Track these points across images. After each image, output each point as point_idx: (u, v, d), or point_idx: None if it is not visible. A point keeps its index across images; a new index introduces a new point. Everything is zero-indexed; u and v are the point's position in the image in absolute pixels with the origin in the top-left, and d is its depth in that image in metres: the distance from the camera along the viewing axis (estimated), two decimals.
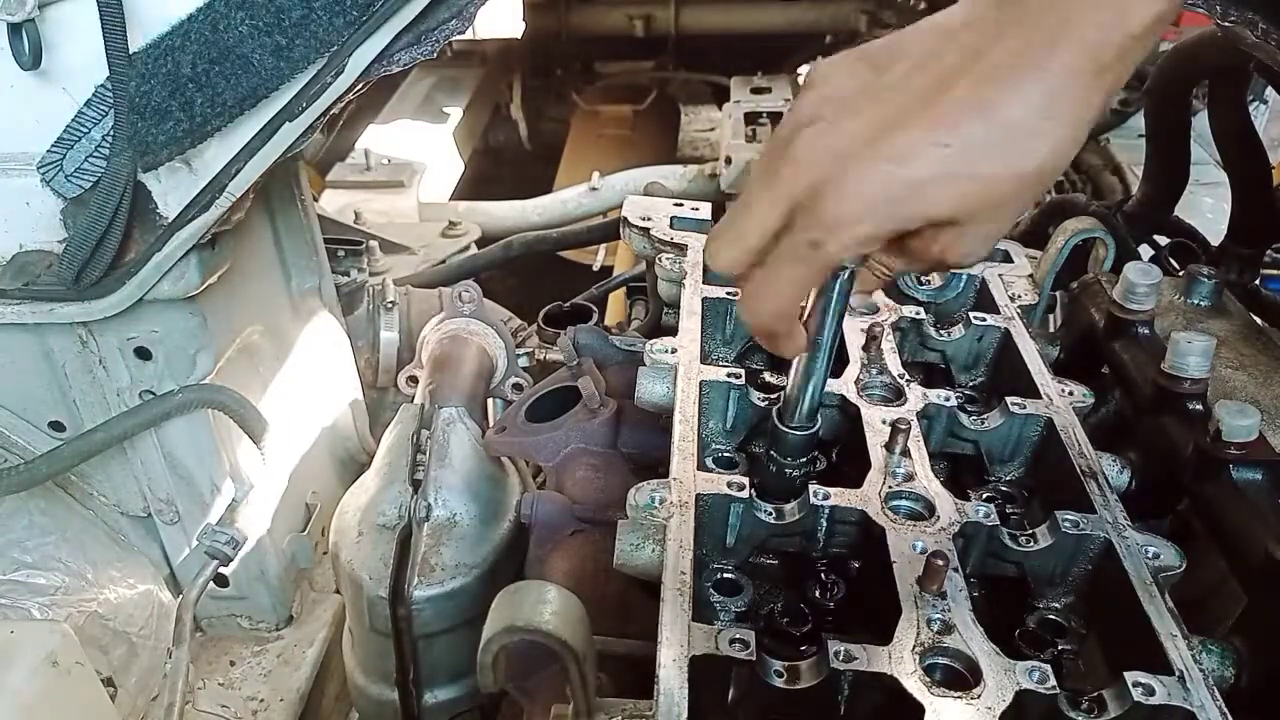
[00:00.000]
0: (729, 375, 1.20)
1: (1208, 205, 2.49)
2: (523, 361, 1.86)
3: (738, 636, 0.85)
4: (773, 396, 1.21)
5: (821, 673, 0.84)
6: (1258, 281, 1.67)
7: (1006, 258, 1.52)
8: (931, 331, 1.35)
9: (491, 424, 1.51)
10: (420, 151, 3.70)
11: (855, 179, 0.73)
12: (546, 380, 1.51)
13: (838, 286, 0.88)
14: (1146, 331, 1.34)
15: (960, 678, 0.85)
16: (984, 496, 1.17)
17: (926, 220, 0.74)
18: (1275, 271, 1.68)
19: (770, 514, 1.03)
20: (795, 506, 1.03)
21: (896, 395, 1.20)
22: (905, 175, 0.72)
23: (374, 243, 2.59)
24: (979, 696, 0.81)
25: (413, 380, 1.79)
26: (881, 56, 0.76)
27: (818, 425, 1.06)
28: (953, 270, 0.83)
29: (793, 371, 1.01)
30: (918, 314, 1.35)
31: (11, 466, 1.43)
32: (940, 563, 0.90)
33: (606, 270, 3.16)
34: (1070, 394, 1.22)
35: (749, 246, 0.80)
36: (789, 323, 0.87)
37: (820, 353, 0.95)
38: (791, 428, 1.04)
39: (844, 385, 1.20)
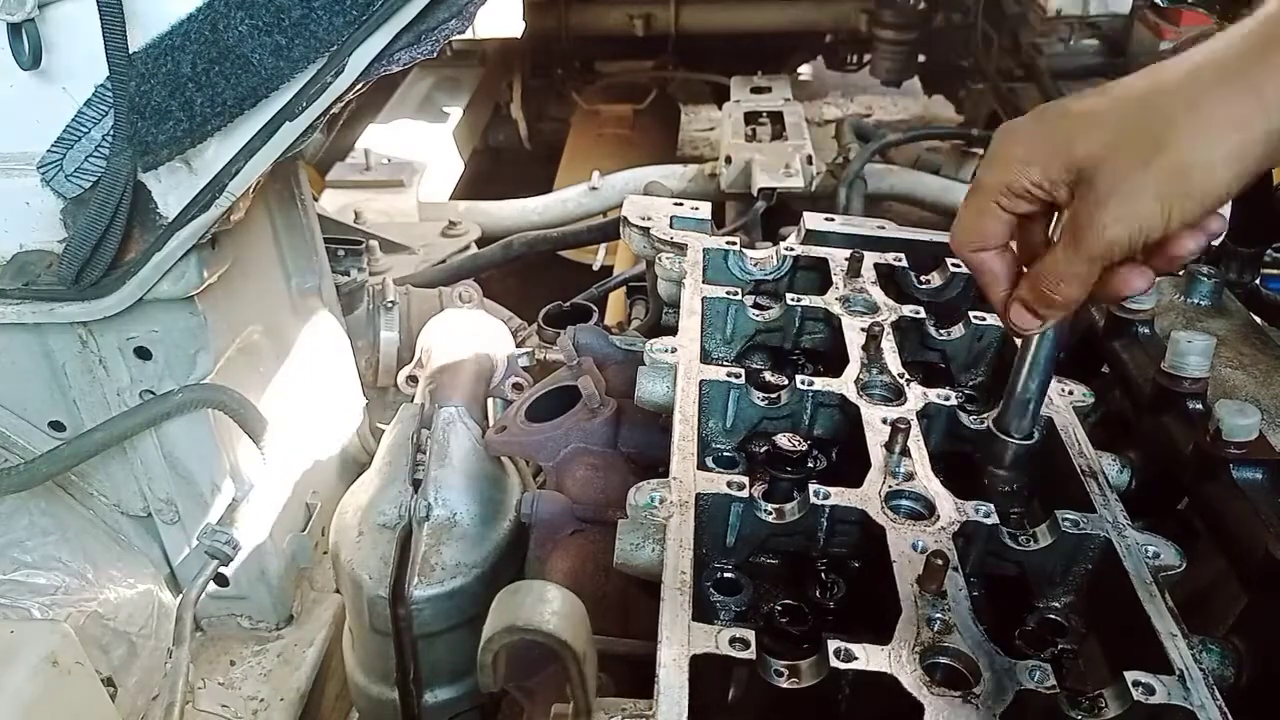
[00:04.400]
0: (729, 375, 1.20)
1: None
2: (523, 361, 1.86)
3: (738, 636, 0.85)
4: (773, 396, 1.21)
5: (821, 672, 0.84)
6: (1258, 281, 1.66)
7: None
8: (931, 331, 1.35)
9: (491, 424, 1.51)
10: (420, 151, 3.69)
11: None
12: (546, 380, 1.51)
13: None
14: (1146, 331, 1.34)
15: (960, 677, 0.85)
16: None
17: None
18: (1275, 271, 1.68)
19: (770, 513, 1.03)
20: (795, 506, 1.03)
21: (896, 395, 1.20)
22: None
23: (374, 242, 2.59)
24: (979, 696, 0.81)
25: (413, 380, 1.79)
26: None
27: (1037, 439, 1.06)
28: None
29: (1017, 376, 1.02)
30: (918, 313, 1.35)
31: (11, 466, 1.42)
32: (940, 562, 0.90)
33: (606, 270, 3.15)
34: (1070, 393, 1.22)
35: None
36: None
37: (1049, 354, 0.98)
38: (1015, 438, 1.05)
39: (844, 385, 1.20)
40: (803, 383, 1.20)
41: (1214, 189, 0.78)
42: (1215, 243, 1.71)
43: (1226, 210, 0.87)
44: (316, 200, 2.95)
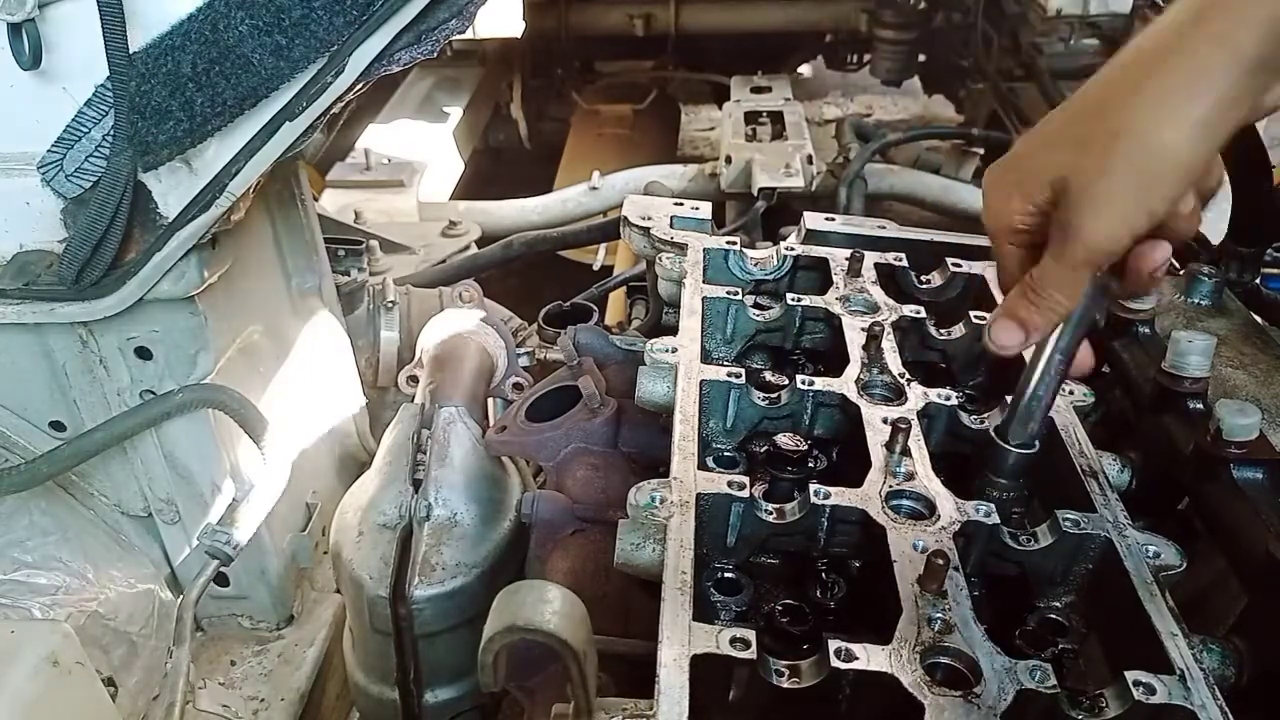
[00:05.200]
0: (729, 375, 1.20)
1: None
2: (523, 361, 1.86)
3: (738, 636, 0.85)
4: (773, 396, 1.21)
5: (822, 672, 0.84)
6: (1258, 280, 1.66)
7: None
8: (932, 331, 1.35)
9: (492, 424, 1.51)
10: (420, 151, 3.69)
11: None
12: (547, 380, 1.51)
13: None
14: (1147, 330, 1.34)
15: (961, 677, 0.85)
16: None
17: None
18: (1276, 270, 1.68)
19: (771, 513, 1.03)
20: (796, 506, 1.03)
21: (897, 394, 1.20)
22: None
23: (374, 242, 2.59)
24: (979, 695, 0.81)
25: (413, 380, 1.78)
26: None
27: (1038, 448, 1.05)
28: None
29: (1024, 385, 1.00)
30: (918, 313, 1.35)
31: (12, 466, 1.42)
32: (941, 562, 0.90)
33: (606, 270, 3.15)
34: (1071, 393, 1.22)
35: None
36: None
37: (1057, 367, 0.96)
38: (1015, 447, 1.04)
39: (844, 385, 1.20)
40: (803, 382, 1.20)
41: (1184, 161, 0.78)
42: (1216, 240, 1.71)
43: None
44: (316, 200, 2.95)
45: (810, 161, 3.13)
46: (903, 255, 1.49)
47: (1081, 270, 0.84)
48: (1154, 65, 0.78)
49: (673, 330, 1.31)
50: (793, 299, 1.38)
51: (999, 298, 1.38)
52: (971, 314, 1.35)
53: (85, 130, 1.23)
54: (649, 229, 1.57)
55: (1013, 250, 0.90)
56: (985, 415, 1.19)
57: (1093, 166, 0.79)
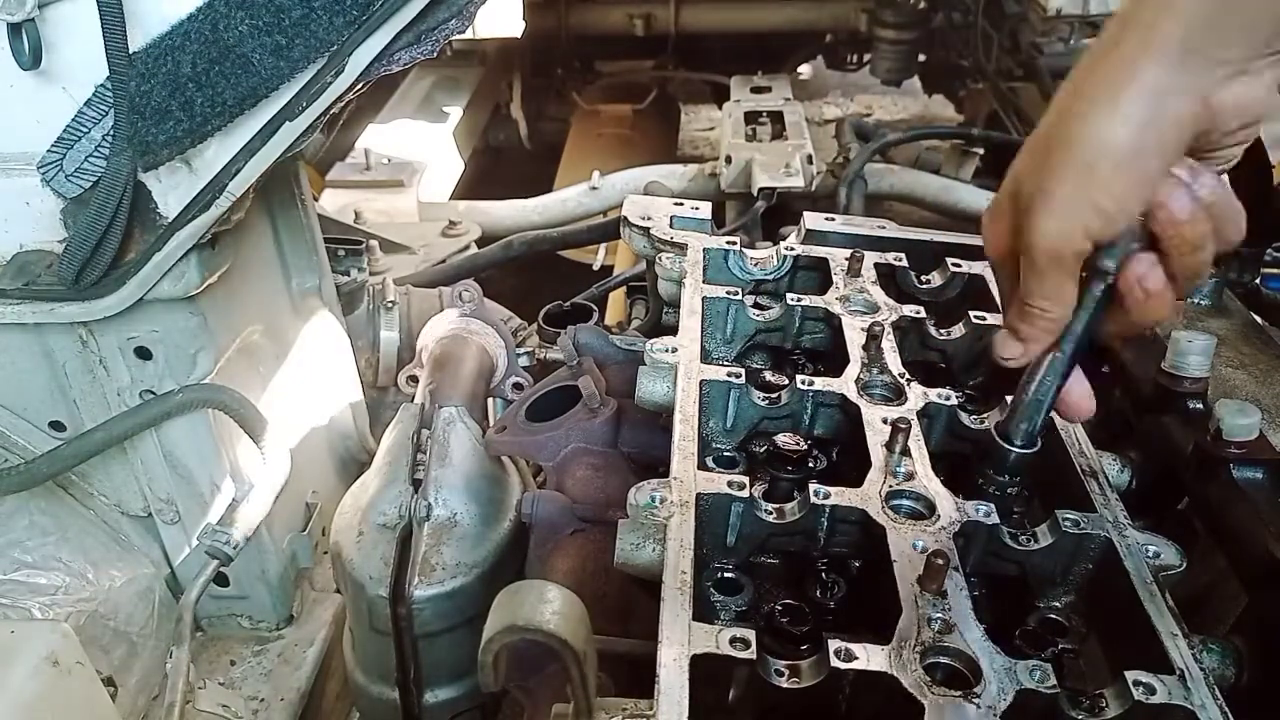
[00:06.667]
0: (729, 374, 1.20)
1: None
2: (523, 361, 1.86)
3: (738, 636, 0.85)
4: (773, 395, 1.21)
5: (822, 672, 0.84)
6: (1258, 280, 1.66)
7: None
8: (932, 331, 1.35)
9: (491, 423, 1.51)
10: (420, 151, 3.69)
11: None
12: (547, 380, 1.51)
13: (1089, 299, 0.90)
14: (1147, 330, 1.34)
15: (961, 677, 0.85)
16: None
17: None
18: (1276, 270, 1.68)
19: (771, 513, 1.03)
20: (796, 506, 1.03)
21: (897, 394, 1.20)
22: None
23: (374, 242, 2.59)
24: (979, 696, 0.81)
25: (413, 380, 1.79)
26: None
27: (1039, 445, 1.04)
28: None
29: (1025, 385, 0.99)
30: (918, 313, 1.35)
31: (11, 466, 1.43)
32: (940, 562, 0.90)
33: (606, 269, 3.15)
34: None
35: None
36: None
37: (1057, 370, 0.96)
38: (1015, 446, 1.03)
39: (844, 385, 1.20)
40: (803, 382, 1.20)
41: (1122, 152, 0.78)
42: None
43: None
44: (316, 200, 2.95)
45: (810, 161, 3.13)
46: (903, 255, 1.49)
47: (1050, 274, 0.85)
48: (1089, 62, 0.81)
49: (673, 330, 1.31)
50: (793, 299, 1.38)
51: (999, 299, 1.38)
52: (971, 314, 1.35)
53: (85, 130, 1.23)
54: (649, 229, 1.57)
55: (1007, 274, 0.92)
56: (985, 415, 1.19)
57: (1039, 169, 0.82)
